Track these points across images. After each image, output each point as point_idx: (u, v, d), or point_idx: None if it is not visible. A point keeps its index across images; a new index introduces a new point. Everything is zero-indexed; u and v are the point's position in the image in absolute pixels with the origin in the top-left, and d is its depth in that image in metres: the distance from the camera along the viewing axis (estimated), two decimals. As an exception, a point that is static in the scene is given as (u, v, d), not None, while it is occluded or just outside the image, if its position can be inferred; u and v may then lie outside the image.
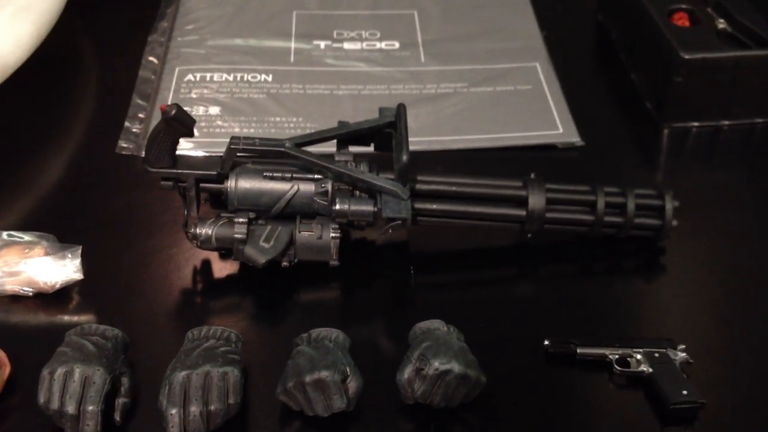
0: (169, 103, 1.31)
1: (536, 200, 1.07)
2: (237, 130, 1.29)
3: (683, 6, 1.38)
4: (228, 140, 1.03)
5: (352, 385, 0.89)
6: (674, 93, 1.32)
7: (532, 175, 1.10)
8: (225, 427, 0.88)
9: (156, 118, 1.29)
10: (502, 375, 0.94)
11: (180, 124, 0.99)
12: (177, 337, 0.98)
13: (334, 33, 1.52)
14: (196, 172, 1.03)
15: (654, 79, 1.37)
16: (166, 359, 0.93)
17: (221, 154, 1.05)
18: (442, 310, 0.98)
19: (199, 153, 1.22)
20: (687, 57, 1.28)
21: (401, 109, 1.08)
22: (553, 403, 0.96)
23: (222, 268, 1.09)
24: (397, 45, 1.50)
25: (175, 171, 1.03)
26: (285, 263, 1.04)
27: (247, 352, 0.94)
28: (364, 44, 1.50)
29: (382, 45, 1.50)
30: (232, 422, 0.89)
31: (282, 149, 1.03)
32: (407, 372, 0.90)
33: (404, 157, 1.02)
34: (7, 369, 0.92)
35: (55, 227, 1.08)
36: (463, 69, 1.44)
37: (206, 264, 1.09)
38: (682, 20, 1.37)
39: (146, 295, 1.05)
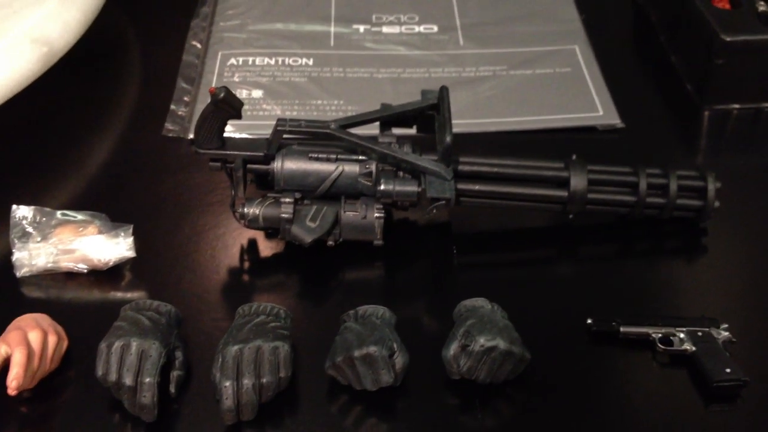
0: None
1: (578, 181, 1.08)
2: (279, 112, 1.32)
3: (724, -12, 1.38)
4: (271, 123, 1.05)
5: (399, 360, 0.91)
6: (715, 75, 1.32)
7: (574, 156, 1.10)
8: (276, 399, 0.90)
9: (201, 102, 1.32)
10: (545, 353, 0.96)
11: (228, 106, 1.01)
12: (226, 313, 1.01)
13: (373, 17, 1.53)
14: (243, 153, 1.05)
15: (694, 62, 1.37)
16: (216, 334, 0.95)
17: (266, 136, 1.07)
18: (484, 289, 1.00)
19: (243, 136, 1.24)
20: (728, 39, 1.28)
21: (444, 91, 1.09)
22: (596, 380, 0.97)
23: (268, 248, 1.11)
24: (435, 29, 1.51)
25: (223, 152, 1.05)
26: (330, 242, 1.06)
27: (295, 329, 0.96)
28: (403, 28, 1.51)
29: (421, 29, 1.51)
30: (282, 395, 0.91)
31: (327, 131, 1.05)
32: (453, 348, 0.92)
33: (448, 138, 1.03)
34: (65, 343, 0.95)
35: (106, 208, 1.11)
36: (501, 52, 1.45)
37: (252, 243, 1.11)
38: (722, 2, 1.36)
39: (196, 273, 1.08)
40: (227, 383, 0.87)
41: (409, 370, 0.92)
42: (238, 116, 1.03)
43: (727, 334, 0.98)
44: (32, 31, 1.24)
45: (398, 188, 1.05)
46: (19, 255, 1.04)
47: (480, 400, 0.93)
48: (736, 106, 1.34)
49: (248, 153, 1.06)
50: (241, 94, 1.34)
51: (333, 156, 1.06)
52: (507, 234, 1.15)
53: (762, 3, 1.35)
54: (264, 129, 1.16)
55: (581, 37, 1.48)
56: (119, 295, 1.04)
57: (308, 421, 0.91)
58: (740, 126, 1.33)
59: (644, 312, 1.02)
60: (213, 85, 1.36)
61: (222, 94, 1.00)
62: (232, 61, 1.42)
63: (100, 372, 0.88)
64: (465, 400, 0.93)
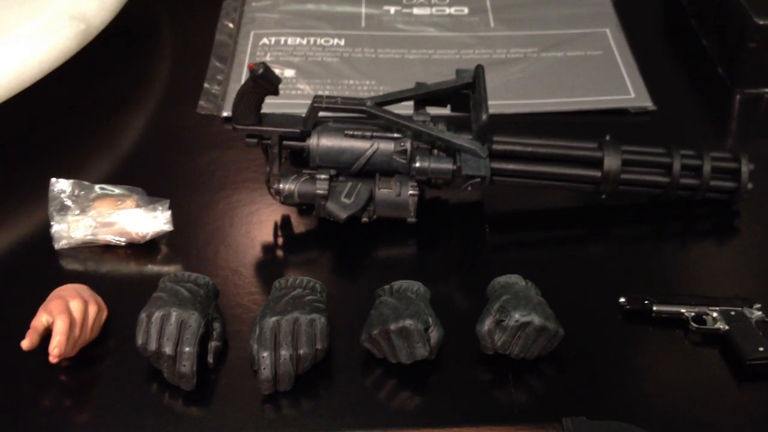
0: (246, 66, 1.36)
1: (612, 161, 1.08)
2: (311, 92, 1.33)
3: (758, -29, 1.37)
4: (303, 102, 1.06)
5: (434, 334, 0.92)
6: (747, 58, 1.32)
7: (608, 137, 1.11)
8: (312, 371, 0.92)
9: (234, 81, 1.33)
10: (578, 330, 0.96)
11: (267, 81, 1.02)
12: (261, 287, 1.02)
13: (404, -2, 1.54)
14: (280, 129, 1.06)
15: (726, 45, 1.36)
16: (252, 308, 0.97)
17: (301, 114, 1.08)
18: (517, 268, 1.00)
19: (277, 113, 1.26)
20: (761, 22, 1.27)
21: (480, 70, 1.09)
22: (628, 358, 0.97)
23: (301, 224, 1.12)
24: (466, 10, 1.51)
25: (260, 128, 1.06)
26: (365, 219, 1.07)
27: (330, 303, 0.97)
28: (434, 9, 1.52)
29: (452, 10, 1.52)
30: (318, 367, 0.92)
31: (363, 108, 1.06)
32: (488, 323, 0.93)
33: (484, 117, 1.04)
34: (105, 313, 0.97)
35: (142, 183, 1.12)
36: (532, 34, 1.45)
37: (286, 219, 1.12)
38: (756, -15, 1.36)
39: (231, 247, 1.09)
40: (265, 354, 0.88)
41: (444, 345, 0.93)
42: (276, 92, 1.04)
43: (760, 313, 0.98)
44: (70, 8, 1.25)
45: (433, 165, 1.06)
46: (58, 227, 1.05)
47: (513, 375, 0.94)
48: (769, 89, 1.34)
49: (285, 129, 1.07)
50: (274, 73, 1.35)
51: (368, 133, 1.07)
52: (539, 213, 1.15)
53: (796, -13, 1.35)
54: (296, 108, 1.17)
55: (612, 20, 1.48)
56: (156, 268, 1.06)
57: (343, 392, 0.92)
58: (772, 110, 1.33)
59: (676, 292, 1.02)
60: (245, 64, 1.37)
61: (261, 70, 1.01)
62: (264, 40, 1.43)
63: (140, 341, 0.90)
64: (498, 375, 0.94)
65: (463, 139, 1.06)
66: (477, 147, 1.05)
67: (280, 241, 1.11)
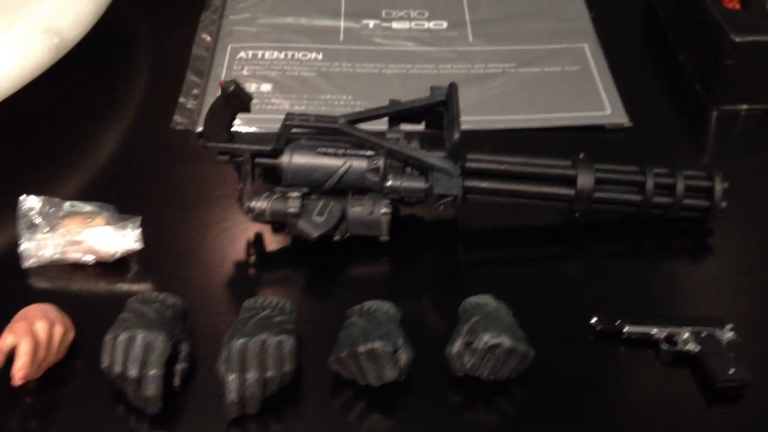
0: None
1: (585, 179, 1.08)
2: (288, 107, 1.32)
3: (735, -12, 1.37)
4: (279, 117, 1.06)
5: (404, 356, 0.91)
6: (724, 75, 1.32)
7: (581, 155, 1.10)
8: (280, 393, 0.91)
9: (210, 95, 1.32)
10: (549, 350, 0.96)
11: (238, 99, 1.01)
12: (232, 306, 1.01)
13: (383, 12, 1.53)
14: (252, 146, 1.06)
15: (703, 61, 1.36)
16: (222, 327, 0.96)
17: (275, 131, 1.07)
18: (490, 287, 1.00)
19: (251, 129, 1.25)
20: (738, 40, 1.27)
21: (453, 88, 1.09)
22: (599, 379, 0.97)
23: (274, 242, 1.11)
24: (445, 25, 1.51)
25: (232, 146, 1.06)
26: (337, 237, 1.06)
27: (299, 323, 0.96)
28: (413, 24, 1.51)
29: (431, 25, 1.51)
30: (286, 389, 0.91)
31: (336, 126, 1.05)
32: (457, 345, 0.92)
33: (456, 135, 1.03)
34: (72, 334, 0.96)
35: (113, 199, 1.11)
36: (511, 49, 1.45)
37: (259, 237, 1.12)
38: (733, 2, 1.36)
39: (202, 265, 1.08)
40: (232, 376, 0.87)
41: (414, 366, 0.93)
42: (247, 110, 1.04)
43: (731, 334, 0.98)
44: (44, 21, 1.24)
45: (405, 184, 1.05)
46: (26, 245, 1.04)
47: (483, 398, 0.93)
48: (744, 106, 1.34)
49: (256, 147, 1.06)
50: (250, 87, 1.35)
51: (341, 151, 1.06)
52: (513, 231, 1.15)
53: (773, 3, 1.35)
54: (272, 123, 1.16)
55: (590, 36, 1.47)
56: (126, 286, 1.05)
57: (311, 415, 0.92)
58: (748, 127, 1.33)
59: (649, 311, 1.02)
60: (222, 78, 1.36)
61: (231, 88, 1.00)
62: (242, 54, 1.42)
63: (105, 363, 0.89)
64: (468, 397, 0.93)
65: (435, 158, 1.05)
66: (449, 166, 1.05)
67: (253, 259, 1.10)
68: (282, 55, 1.42)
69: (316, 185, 1.06)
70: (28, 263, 1.04)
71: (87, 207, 1.08)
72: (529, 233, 1.14)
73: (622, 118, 1.31)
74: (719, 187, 1.09)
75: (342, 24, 1.50)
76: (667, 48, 1.46)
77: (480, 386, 0.93)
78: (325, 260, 1.08)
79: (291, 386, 0.92)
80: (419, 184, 1.05)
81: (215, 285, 1.06)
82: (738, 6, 1.36)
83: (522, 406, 0.93)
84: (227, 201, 1.16)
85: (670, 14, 1.49)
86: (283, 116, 1.06)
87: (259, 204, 1.05)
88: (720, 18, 1.31)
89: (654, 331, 0.98)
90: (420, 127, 1.14)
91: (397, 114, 1.11)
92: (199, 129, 1.26)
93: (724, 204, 1.10)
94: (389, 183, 1.05)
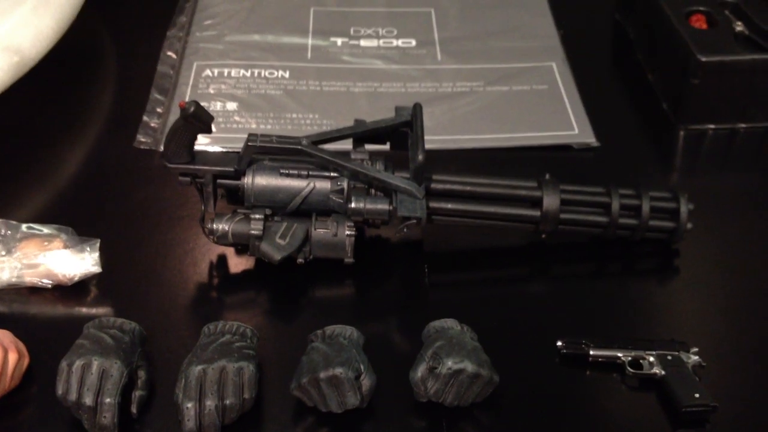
0: (187, 98, 1.34)
1: (551, 201, 1.07)
2: (254, 126, 1.31)
3: (701, 8, 1.38)
4: (244, 136, 1.04)
5: (366, 382, 0.90)
6: (691, 95, 1.32)
7: (547, 176, 1.10)
8: (240, 421, 0.89)
9: (174, 113, 1.31)
10: (514, 374, 0.95)
11: (198, 120, 1.00)
12: (193, 330, 0.99)
13: (351, 30, 1.52)
14: (213, 168, 1.04)
15: (671, 81, 1.37)
16: (183, 352, 0.94)
17: (238, 151, 1.06)
18: (455, 309, 0.99)
19: (216, 148, 1.24)
20: (704, 59, 1.28)
21: (417, 109, 1.08)
22: (565, 403, 0.96)
23: (238, 264, 1.10)
24: (413, 43, 1.50)
25: (192, 167, 1.04)
26: (300, 260, 1.04)
27: (262, 348, 0.95)
28: (381, 42, 1.51)
29: (399, 42, 1.50)
30: (246, 416, 0.90)
31: (299, 147, 1.04)
32: (420, 370, 0.91)
33: (420, 157, 1.02)
34: (26, 360, 0.94)
35: (73, 220, 1.09)
36: (479, 68, 1.44)
37: (222, 259, 1.10)
38: (699, 22, 1.37)
39: (163, 288, 1.06)
40: (189, 404, 0.86)
41: (377, 392, 0.91)
42: (208, 131, 1.02)
43: (696, 358, 0.97)
44: (3, 39, 1.22)
45: (369, 206, 1.04)
46: (-18, 269, 1.02)
47: (447, 423, 0.92)
48: (712, 126, 1.34)
49: (218, 168, 1.04)
50: (216, 106, 1.33)
51: (305, 172, 1.05)
52: (479, 253, 1.14)
53: (739, 23, 1.35)
54: (237, 142, 1.14)
55: (559, 54, 1.47)
56: (84, 311, 1.03)
57: (272, 442, 0.90)
58: (715, 146, 1.33)
59: (615, 333, 1.01)
60: (186, 96, 1.35)
61: (192, 109, 0.98)
62: (207, 72, 1.40)
63: (60, 391, 0.87)
64: (432, 423, 0.92)
65: (399, 180, 1.04)
66: (413, 187, 1.04)
67: (215, 281, 1.08)
68: (248, 73, 1.41)
69: (279, 207, 1.05)
70: (-17, 287, 1.02)
71: (45, 229, 1.06)
72: (495, 255, 1.13)
73: (589, 138, 1.31)
74: (684, 208, 1.09)
75: (310, 42, 1.49)
76: (636, 67, 1.46)
77: (444, 411, 0.92)
78: (289, 283, 1.07)
79: (252, 413, 0.91)
80: (383, 206, 1.04)
81: (176, 308, 1.04)
82: (705, 26, 1.37)
83: (487, 431, 0.92)
84: (190, 222, 1.14)
85: (639, 33, 1.50)
86: (248, 135, 1.05)
87: (221, 226, 1.04)
88: (687, 38, 1.31)
89: (620, 354, 0.97)
90: (385, 147, 1.13)
91: (362, 134, 1.10)
92: (162, 148, 1.24)
93: (689, 225, 1.10)
94: (353, 205, 1.04)
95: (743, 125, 1.34)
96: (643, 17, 1.48)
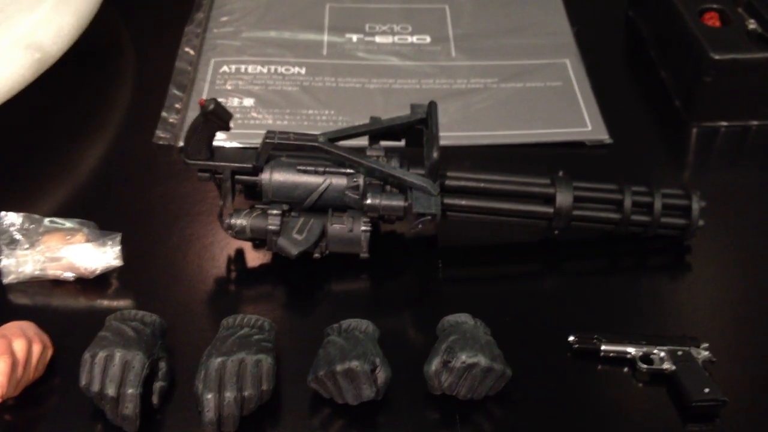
0: (205, 94, 1.36)
1: (564, 198, 1.08)
2: (270, 122, 1.32)
3: (714, 6, 1.38)
4: (261, 132, 1.06)
5: (381, 375, 0.92)
6: (703, 92, 1.33)
7: (560, 173, 1.11)
8: (258, 412, 0.91)
9: (192, 109, 1.33)
10: (526, 369, 0.97)
11: (217, 118, 1.02)
12: (212, 323, 1.01)
13: (366, 26, 1.54)
14: (232, 164, 1.06)
15: (683, 78, 1.38)
16: (202, 345, 0.96)
17: (256, 146, 1.07)
18: (469, 304, 1.01)
19: (234, 144, 1.25)
20: (717, 57, 1.29)
21: (432, 107, 1.10)
22: (576, 397, 0.98)
23: (255, 258, 1.12)
24: (428, 39, 1.52)
25: (212, 163, 1.06)
26: (317, 255, 1.06)
27: (279, 340, 0.97)
28: (396, 38, 1.52)
29: (414, 39, 1.52)
30: (264, 407, 0.92)
31: (315, 144, 1.06)
32: (435, 364, 0.93)
33: (435, 154, 1.04)
34: (50, 351, 0.96)
35: (95, 215, 1.11)
36: (493, 64, 1.46)
37: (240, 254, 1.12)
38: (712, 20, 1.37)
39: (183, 282, 1.08)
40: (209, 395, 0.88)
41: (392, 385, 0.93)
42: (227, 128, 1.04)
43: (707, 353, 0.99)
44: (25, 37, 1.24)
45: (385, 202, 1.06)
46: (6, 262, 1.04)
47: (460, 416, 0.94)
48: (724, 123, 1.35)
49: (236, 164, 1.06)
50: (233, 102, 1.35)
51: (321, 169, 1.07)
52: (492, 248, 1.15)
53: (752, 21, 1.36)
54: (255, 138, 1.16)
55: (572, 51, 1.48)
56: (105, 303, 1.05)
57: (290, 433, 0.92)
58: (727, 143, 1.34)
59: (626, 328, 1.03)
60: (204, 92, 1.36)
61: (211, 106, 1.00)
62: (225, 68, 1.42)
63: (83, 382, 0.89)
64: (446, 416, 0.94)
65: (414, 177, 1.06)
66: (428, 184, 1.05)
67: (233, 276, 1.10)
68: (265, 70, 1.42)
69: (296, 202, 1.07)
70: (7, 280, 1.04)
71: (67, 223, 1.08)
72: (508, 250, 1.15)
73: (602, 135, 1.32)
74: (696, 205, 1.11)
75: (326, 38, 1.50)
76: (649, 64, 1.47)
77: (458, 405, 0.94)
78: (305, 278, 1.09)
79: (269, 404, 0.92)
80: (398, 202, 1.06)
81: (195, 302, 1.06)
82: (718, 24, 1.37)
83: (500, 425, 0.94)
84: (208, 217, 1.16)
85: (652, 31, 1.51)
86: (265, 131, 1.07)
87: (239, 221, 1.06)
88: (700, 35, 1.32)
89: (631, 349, 0.99)
90: (401, 144, 1.15)
91: (377, 131, 1.12)
92: (181, 144, 1.26)
93: (701, 222, 1.11)
94: (368, 201, 1.05)
95: (755, 123, 1.35)
96: (656, 15, 1.48)
